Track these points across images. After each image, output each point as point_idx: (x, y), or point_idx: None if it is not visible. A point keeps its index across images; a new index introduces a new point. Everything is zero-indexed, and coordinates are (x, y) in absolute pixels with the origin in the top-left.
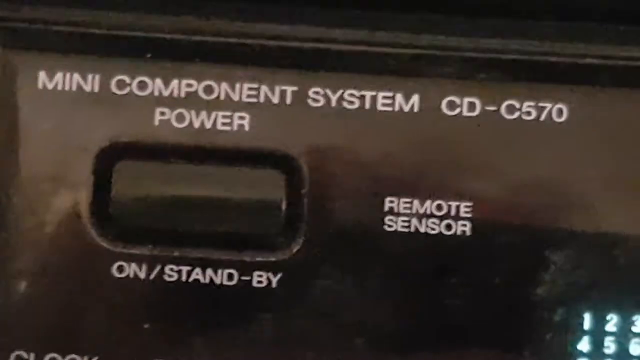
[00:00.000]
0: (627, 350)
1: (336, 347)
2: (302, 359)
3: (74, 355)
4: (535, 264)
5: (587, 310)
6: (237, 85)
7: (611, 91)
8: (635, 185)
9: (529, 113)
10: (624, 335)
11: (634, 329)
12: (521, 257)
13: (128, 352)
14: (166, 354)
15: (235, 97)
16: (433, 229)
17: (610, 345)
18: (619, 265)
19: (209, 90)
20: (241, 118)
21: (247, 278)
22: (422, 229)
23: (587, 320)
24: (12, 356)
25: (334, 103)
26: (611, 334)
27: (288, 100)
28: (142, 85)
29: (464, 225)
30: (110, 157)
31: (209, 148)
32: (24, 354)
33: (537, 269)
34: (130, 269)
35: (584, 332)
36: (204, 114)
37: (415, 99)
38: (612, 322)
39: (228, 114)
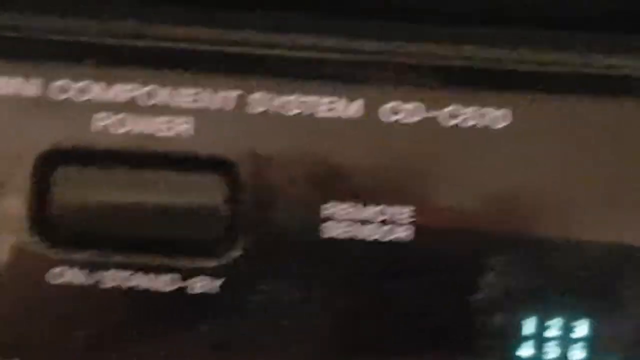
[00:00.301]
0: (566, 356)
1: (276, 353)
2: None
3: None
4: (476, 269)
5: (527, 316)
6: (179, 91)
7: (554, 97)
8: (576, 190)
9: (471, 118)
10: (563, 340)
11: (573, 335)
12: (462, 262)
13: (67, 358)
14: None
15: (177, 103)
16: (373, 235)
17: (550, 351)
18: (559, 271)
19: (150, 95)
20: (183, 123)
21: (188, 284)
22: (362, 235)
23: (527, 326)
24: None
25: (275, 108)
26: (551, 339)
27: (230, 106)
28: (83, 90)
29: (406, 230)
30: (50, 162)
31: (150, 153)
32: None
33: (478, 274)
34: (70, 275)
35: (524, 338)
36: (145, 119)
37: (357, 104)
38: (553, 327)
39: (169, 119)
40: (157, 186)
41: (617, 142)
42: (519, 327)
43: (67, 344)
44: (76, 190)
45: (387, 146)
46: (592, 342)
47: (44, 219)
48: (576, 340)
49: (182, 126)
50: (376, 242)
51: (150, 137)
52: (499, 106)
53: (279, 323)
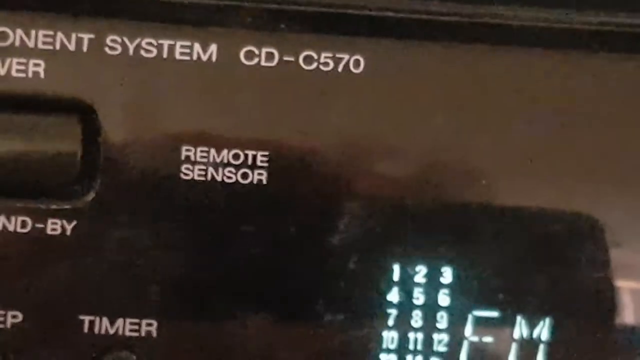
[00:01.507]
0: (436, 301)
1: (130, 295)
2: (95, 307)
3: None
4: (331, 212)
5: (391, 262)
6: (33, 32)
7: (407, 43)
8: (427, 134)
9: (326, 64)
10: (432, 286)
11: (442, 280)
12: (317, 206)
13: None
14: None
15: (31, 44)
16: (230, 178)
17: (419, 297)
18: (417, 217)
19: (3, 36)
20: (36, 65)
21: (41, 225)
22: (219, 178)
23: (393, 272)
24: None
25: (131, 51)
26: (418, 285)
27: (85, 48)
28: None
29: (261, 174)
30: None
31: (4, 95)
32: None
33: (333, 218)
34: None
35: (392, 283)
36: None
37: (213, 48)
38: (420, 273)
39: (23, 60)
40: (12, 128)
41: (465, 89)
42: (382, 273)
43: None
44: None
45: (243, 90)
46: (456, 289)
47: None
48: (442, 287)
49: (37, 68)
50: (232, 185)
51: (4, 78)
52: (353, 52)
53: (133, 265)
